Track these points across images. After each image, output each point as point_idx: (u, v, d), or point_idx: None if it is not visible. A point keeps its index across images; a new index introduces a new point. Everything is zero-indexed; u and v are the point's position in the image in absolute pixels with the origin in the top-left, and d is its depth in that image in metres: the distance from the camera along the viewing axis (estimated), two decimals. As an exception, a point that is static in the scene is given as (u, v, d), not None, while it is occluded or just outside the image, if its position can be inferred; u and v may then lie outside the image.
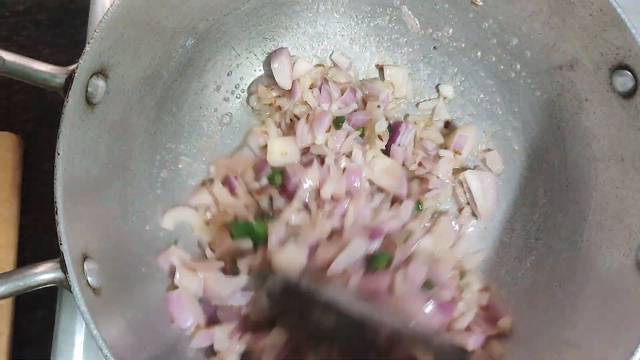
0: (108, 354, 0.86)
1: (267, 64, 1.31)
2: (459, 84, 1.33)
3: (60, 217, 0.87)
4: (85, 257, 0.91)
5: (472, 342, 1.16)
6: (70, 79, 0.91)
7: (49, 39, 1.45)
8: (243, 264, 1.14)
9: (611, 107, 1.07)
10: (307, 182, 1.20)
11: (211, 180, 1.25)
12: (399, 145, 1.28)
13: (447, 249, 1.25)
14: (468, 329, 1.18)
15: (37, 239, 1.29)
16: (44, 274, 0.86)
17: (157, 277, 1.13)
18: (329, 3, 1.29)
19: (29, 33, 1.46)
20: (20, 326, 1.22)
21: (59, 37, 1.45)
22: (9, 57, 0.92)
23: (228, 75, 1.29)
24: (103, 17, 0.93)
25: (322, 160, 1.24)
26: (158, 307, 1.10)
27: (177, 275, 1.13)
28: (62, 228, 0.86)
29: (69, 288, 0.86)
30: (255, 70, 1.32)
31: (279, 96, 1.30)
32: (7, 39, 1.44)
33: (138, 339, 0.99)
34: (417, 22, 1.30)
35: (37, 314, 1.25)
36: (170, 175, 1.22)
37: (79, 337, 1.14)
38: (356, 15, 1.31)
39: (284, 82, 1.27)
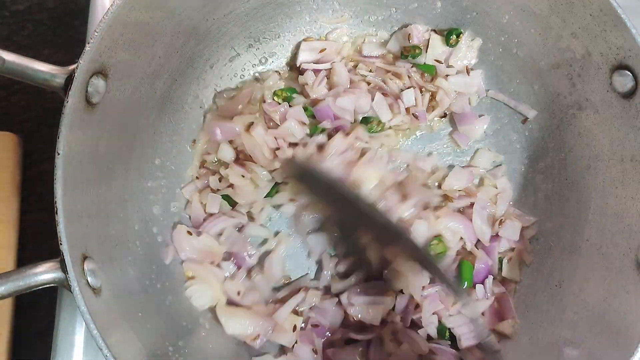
0: (108, 354, 0.86)
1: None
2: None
3: (60, 217, 0.86)
4: (85, 257, 0.91)
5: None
6: (70, 79, 0.90)
7: (48, 39, 1.45)
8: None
9: (611, 107, 1.07)
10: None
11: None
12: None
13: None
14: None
15: (37, 239, 1.29)
16: (44, 274, 0.86)
17: (157, 276, 1.13)
18: (329, 2, 1.29)
19: (29, 33, 1.46)
20: (20, 326, 1.22)
21: (58, 37, 1.45)
22: (9, 57, 0.92)
23: (228, 75, 1.29)
24: (103, 17, 0.92)
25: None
26: (158, 306, 1.11)
27: None
28: (62, 228, 0.86)
29: (69, 288, 0.86)
30: (255, 71, 1.32)
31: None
32: (6, 39, 1.44)
33: (138, 338, 0.99)
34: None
35: (37, 314, 1.25)
36: (170, 175, 1.22)
37: (79, 337, 1.14)
38: (356, 14, 1.32)
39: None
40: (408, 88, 1.28)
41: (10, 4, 1.47)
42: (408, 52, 1.28)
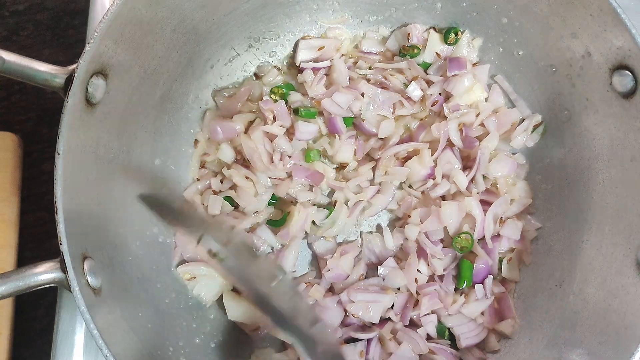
0: (108, 354, 0.86)
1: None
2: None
3: (60, 218, 0.86)
4: (85, 257, 0.91)
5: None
6: (70, 79, 0.90)
7: (48, 39, 1.45)
8: None
9: (611, 107, 1.07)
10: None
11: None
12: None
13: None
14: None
15: (37, 239, 1.29)
16: (44, 273, 0.86)
17: (157, 276, 1.14)
18: (329, 3, 1.29)
19: (29, 33, 1.45)
20: (20, 326, 1.22)
21: (58, 37, 1.45)
22: (9, 57, 0.91)
23: (228, 75, 1.29)
24: (103, 17, 0.92)
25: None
26: (158, 306, 1.11)
27: None
28: (62, 228, 0.86)
29: (68, 288, 0.86)
30: (254, 70, 1.32)
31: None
32: (6, 39, 1.44)
33: (138, 338, 0.99)
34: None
35: (37, 313, 1.25)
36: (170, 174, 1.22)
37: (79, 337, 1.14)
38: (356, 14, 1.32)
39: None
40: (410, 81, 1.27)
41: (10, 4, 1.47)
42: (407, 52, 1.28)
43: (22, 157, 1.31)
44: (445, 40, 1.27)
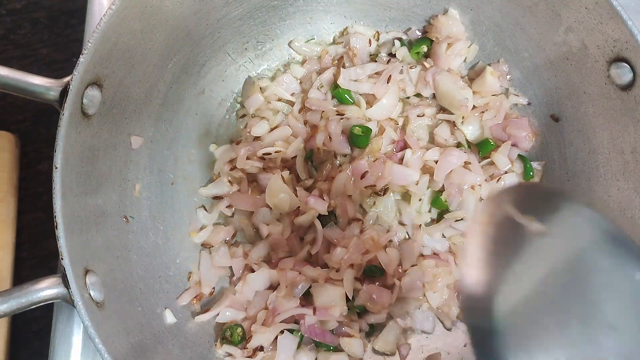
0: (113, 366, 0.86)
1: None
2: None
3: (61, 232, 0.85)
4: (87, 271, 0.91)
5: None
6: (65, 91, 0.90)
7: (46, 38, 1.44)
8: None
9: (610, 100, 1.06)
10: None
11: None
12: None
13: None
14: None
15: (34, 239, 1.28)
16: (46, 289, 0.86)
17: (160, 286, 1.13)
18: (322, 4, 1.28)
19: (26, 32, 1.44)
20: (17, 326, 1.22)
21: (56, 36, 1.44)
22: (2, 71, 0.91)
23: (223, 81, 1.28)
24: (96, 27, 0.92)
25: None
26: (161, 316, 1.11)
27: None
28: (62, 243, 0.85)
29: (72, 303, 0.85)
30: (250, 75, 1.31)
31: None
32: (3, 38, 1.43)
33: (142, 351, 0.99)
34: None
35: (35, 315, 1.25)
36: (169, 183, 1.21)
37: (77, 338, 1.14)
38: (349, 15, 1.31)
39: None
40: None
41: (6, 2, 1.46)
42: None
43: (19, 157, 1.31)
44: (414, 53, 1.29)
